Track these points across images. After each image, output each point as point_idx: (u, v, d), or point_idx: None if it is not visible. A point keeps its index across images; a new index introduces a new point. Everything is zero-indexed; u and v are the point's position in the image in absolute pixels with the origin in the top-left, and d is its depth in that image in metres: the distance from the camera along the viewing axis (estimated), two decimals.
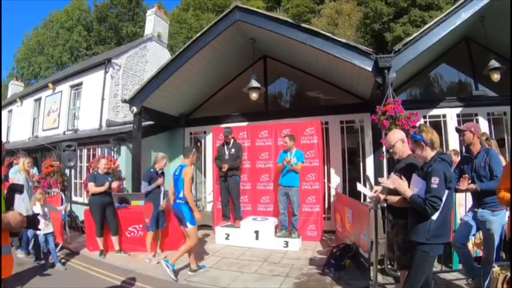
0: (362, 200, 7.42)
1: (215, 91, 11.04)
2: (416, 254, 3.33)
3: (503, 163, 4.61)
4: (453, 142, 8.25)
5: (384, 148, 6.61)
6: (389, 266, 5.39)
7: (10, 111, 20.65)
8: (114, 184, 7.31)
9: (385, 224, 4.77)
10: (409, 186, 3.47)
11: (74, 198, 10.93)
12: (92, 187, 6.94)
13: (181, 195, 5.88)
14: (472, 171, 4.50)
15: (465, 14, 6.74)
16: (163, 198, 6.94)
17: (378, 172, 7.35)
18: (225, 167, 8.03)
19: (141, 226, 7.42)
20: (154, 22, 18.22)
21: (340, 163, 9.30)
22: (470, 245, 4.98)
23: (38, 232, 6.33)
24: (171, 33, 26.31)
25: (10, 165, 7.88)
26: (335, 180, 9.28)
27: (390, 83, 6.57)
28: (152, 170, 6.99)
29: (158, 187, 6.98)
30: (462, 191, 4.52)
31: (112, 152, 10.44)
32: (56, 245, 7.20)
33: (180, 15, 41.23)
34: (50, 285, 5.67)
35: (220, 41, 8.51)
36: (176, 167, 6.22)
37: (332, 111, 9.48)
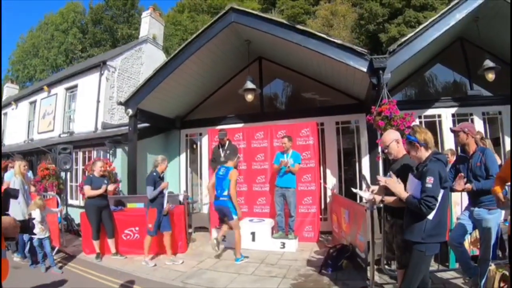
0: (358, 201, 7.43)
1: (210, 93, 11.04)
2: (412, 253, 3.34)
3: (498, 162, 4.64)
4: (449, 142, 8.28)
5: (379, 149, 6.63)
6: (386, 266, 5.39)
7: (5, 114, 20.54)
8: (111, 187, 7.29)
9: (382, 224, 4.78)
10: (405, 186, 3.49)
11: (70, 201, 10.89)
12: (88, 190, 6.91)
13: (225, 193, 6.75)
14: (468, 171, 4.52)
15: (459, 15, 6.79)
16: (167, 202, 6.87)
17: (374, 173, 7.35)
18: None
19: (137, 228, 7.40)
20: (149, 24, 18.21)
21: (336, 163, 9.31)
22: (466, 244, 5.00)
23: (33, 236, 6.31)
24: (166, 35, 26.31)
25: (5, 168, 7.82)
26: (331, 180, 9.29)
27: (385, 83, 6.60)
28: (155, 173, 6.87)
29: (161, 191, 6.87)
30: (458, 191, 4.54)
31: (108, 154, 10.41)
32: (53, 248, 7.15)
33: (175, 17, 41.23)
34: None
35: (215, 43, 8.51)
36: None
37: (327, 112, 9.49)
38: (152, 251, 7.24)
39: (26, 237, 6.72)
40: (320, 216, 8.61)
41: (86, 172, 9.47)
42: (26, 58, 38.81)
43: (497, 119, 8.62)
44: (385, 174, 5.83)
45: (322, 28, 28.19)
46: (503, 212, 4.31)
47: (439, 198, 3.24)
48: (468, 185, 4.36)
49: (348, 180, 9.48)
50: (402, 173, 3.66)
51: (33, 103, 18.12)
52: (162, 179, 7.02)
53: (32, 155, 13.26)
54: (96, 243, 7.03)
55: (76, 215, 8.85)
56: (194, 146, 11.35)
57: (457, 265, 5.21)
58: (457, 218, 4.89)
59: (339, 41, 7.20)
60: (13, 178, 6.65)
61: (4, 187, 5.96)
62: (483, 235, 4.41)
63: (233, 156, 7.14)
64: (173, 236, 7.40)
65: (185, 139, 11.27)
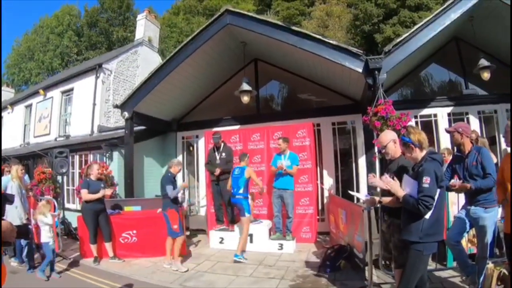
0: (355, 201, 7.44)
1: (206, 95, 11.04)
2: (410, 253, 3.35)
3: (494, 160, 4.66)
4: (445, 141, 8.31)
5: (376, 149, 6.64)
6: (383, 264, 5.41)
7: (0, 118, 20.46)
8: (108, 191, 7.27)
9: (379, 224, 4.79)
10: (401, 186, 3.50)
11: (66, 205, 10.86)
12: (86, 194, 6.87)
13: (240, 191, 7.19)
14: (464, 170, 4.54)
15: (454, 15, 6.82)
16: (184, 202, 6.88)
17: (370, 173, 7.36)
18: (218, 170, 8.01)
19: (134, 232, 7.39)
20: (145, 27, 18.18)
21: (332, 164, 9.33)
22: (464, 243, 5.02)
23: (47, 241, 6.31)
24: (161, 38, 26.25)
25: (1, 173, 7.78)
26: (328, 181, 9.30)
27: (381, 84, 6.63)
28: (169, 174, 6.86)
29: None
30: (456, 190, 4.56)
31: (105, 158, 10.38)
32: None
33: (171, 19, 41.25)
34: None
35: (211, 45, 8.51)
36: (235, 169, 7.42)
37: (323, 112, 9.51)
38: (150, 253, 7.25)
39: (23, 241, 6.69)
40: (318, 217, 8.62)
41: (83, 175, 9.44)
42: (22, 61, 38.71)
43: (492, 117, 8.66)
44: (381, 174, 5.85)
45: (318, 29, 28.23)
46: (499, 210, 4.32)
47: (436, 197, 3.25)
48: (466, 184, 4.37)
49: (345, 180, 9.50)
50: (399, 172, 3.68)
51: (29, 106, 18.04)
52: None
53: (29, 159, 13.21)
54: (93, 247, 7.01)
55: (73, 219, 8.83)
56: (191, 148, 11.35)
57: (454, 264, 5.23)
58: (454, 217, 4.91)
59: (334, 42, 7.22)
60: (10, 182, 6.62)
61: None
62: (480, 233, 4.44)
63: (244, 157, 7.54)
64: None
65: (182, 141, 11.26)
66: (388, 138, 3.97)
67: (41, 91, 16.79)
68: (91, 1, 51.70)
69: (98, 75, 14.54)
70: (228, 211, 8.29)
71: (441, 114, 8.76)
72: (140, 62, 17.28)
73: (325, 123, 9.44)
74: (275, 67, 10.37)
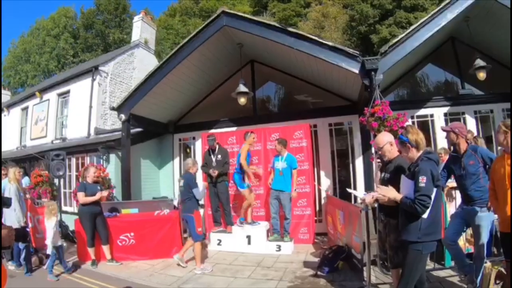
0: (352, 202, 7.45)
1: (203, 97, 11.04)
2: (409, 253, 3.36)
3: None
4: (442, 141, 8.30)
5: (373, 150, 6.65)
6: (381, 264, 5.42)
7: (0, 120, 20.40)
8: (105, 193, 7.24)
9: (376, 225, 4.80)
10: (399, 188, 3.51)
11: (64, 208, 10.78)
12: (82, 197, 6.84)
13: (235, 166, 7.97)
14: (461, 170, 4.55)
15: (450, 15, 6.84)
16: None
17: (368, 173, 7.39)
18: (215, 172, 7.98)
19: (132, 234, 7.36)
20: (141, 29, 18.16)
21: (329, 165, 9.35)
22: (461, 242, 5.03)
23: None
24: (158, 39, 26.25)
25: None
26: (325, 182, 9.31)
27: (378, 84, 6.64)
28: (191, 176, 6.80)
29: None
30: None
31: (101, 160, 10.35)
32: (47, 256, 7.13)
33: (167, 21, 41.26)
34: None
35: (207, 47, 8.51)
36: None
37: (320, 114, 9.53)
38: (148, 256, 7.24)
39: (21, 245, 6.67)
40: (315, 218, 8.62)
41: (80, 178, 9.41)
42: (18, 63, 38.66)
43: (489, 117, 8.69)
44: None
45: (314, 30, 28.30)
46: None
47: (433, 197, 3.27)
48: None
49: (342, 181, 9.51)
50: (397, 174, 3.69)
51: (25, 109, 17.98)
52: None
53: (25, 161, 13.17)
54: (91, 250, 6.97)
55: (70, 221, 8.79)
56: (188, 150, 11.34)
57: (452, 263, 5.25)
58: (451, 217, 4.92)
59: (331, 43, 7.22)
60: (8, 185, 6.59)
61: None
62: (476, 232, 4.45)
63: (246, 135, 8.09)
64: (169, 241, 7.41)
65: (179, 143, 11.25)
66: (385, 140, 3.97)
67: (38, 94, 16.74)
68: (87, 3, 51.63)
69: (94, 77, 14.51)
70: (226, 213, 8.29)
71: (437, 114, 8.79)
72: (137, 64, 17.25)
73: (322, 124, 9.45)
74: (271, 68, 10.38)
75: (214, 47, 8.72)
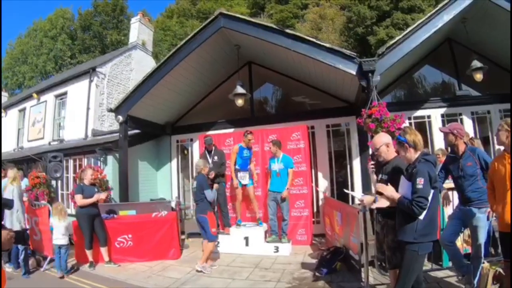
0: (350, 203, 7.46)
1: (200, 99, 11.03)
2: (405, 253, 3.38)
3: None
4: (439, 142, 8.36)
5: (370, 151, 6.67)
6: (379, 265, 5.43)
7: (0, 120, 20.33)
8: (103, 195, 7.24)
9: (374, 225, 4.82)
10: (397, 188, 3.53)
11: None
12: (80, 199, 6.82)
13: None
14: (459, 171, 4.57)
15: (447, 16, 6.87)
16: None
17: (365, 175, 7.40)
18: (212, 173, 7.97)
19: (130, 236, 7.35)
20: (139, 30, 18.12)
21: (327, 166, 9.35)
22: (459, 243, 5.04)
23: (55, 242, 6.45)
24: (155, 41, 26.23)
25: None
26: (323, 183, 9.32)
27: (375, 86, 6.66)
28: (204, 177, 6.79)
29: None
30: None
31: (99, 162, 10.34)
32: (45, 257, 7.12)
33: (165, 22, 41.28)
34: None
35: (205, 48, 8.51)
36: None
37: (318, 115, 9.54)
38: (146, 257, 7.24)
39: (20, 246, 6.66)
40: (313, 219, 8.63)
41: (77, 180, 9.39)
42: (15, 65, 38.53)
43: (486, 118, 8.73)
44: (376, 175, 5.87)
45: (311, 32, 28.39)
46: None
47: (430, 198, 3.28)
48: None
49: (340, 182, 9.53)
50: (394, 175, 3.71)
51: (23, 110, 17.91)
52: None
53: (22, 163, 13.12)
54: (89, 252, 6.94)
55: None
56: (185, 151, 11.32)
57: (450, 264, 5.25)
58: (448, 217, 4.94)
59: (328, 45, 7.24)
60: (10, 186, 6.57)
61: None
62: (474, 233, 4.46)
63: (244, 136, 8.10)
64: (167, 242, 7.41)
65: (176, 145, 11.22)
66: (382, 141, 3.99)
67: (35, 95, 16.68)
68: (85, 4, 51.56)
69: (92, 78, 14.47)
70: (223, 214, 8.29)
71: (434, 115, 8.82)
72: (134, 65, 17.22)
73: (320, 125, 9.46)
74: (269, 70, 10.39)
75: (211, 48, 8.73)
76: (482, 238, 4.36)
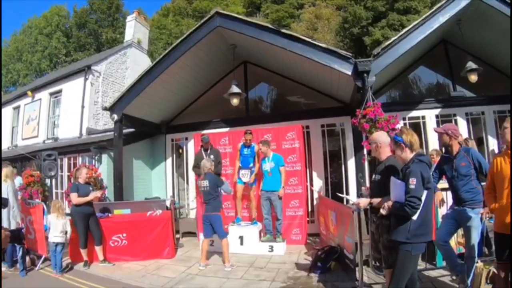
0: (344, 202, 7.48)
1: (196, 98, 11.00)
2: (399, 253, 3.41)
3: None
4: (433, 142, 8.40)
5: (365, 151, 6.70)
6: (374, 265, 5.45)
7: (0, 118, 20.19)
8: (98, 193, 7.21)
9: (369, 225, 4.84)
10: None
11: None
12: (76, 198, 6.78)
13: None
14: (453, 171, 4.59)
15: (442, 18, 6.91)
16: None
17: (359, 174, 7.43)
18: None
19: (125, 235, 7.32)
20: (134, 28, 18.08)
21: (322, 166, 9.37)
22: (453, 242, 5.07)
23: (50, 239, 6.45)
24: (151, 39, 26.16)
25: None
26: (318, 183, 9.34)
27: (370, 86, 6.67)
28: (214, 175, 6.89)
29: None
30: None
31: (94, 160, 10.30)
32: (39, 256, 7.08)
33: (160, 20, 41.14)
34: None
35: (201, 47, 8.50)
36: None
37: (313, 115, 9.56)
38: (141, 256, 7.22)
39: (17, 245, 6.63)
40: (308, 219, 8.64)
41: (72, 178, 9.34)
42: (10, 62, 38.23)
43: (480, 119, 8.79)
44: (370, 175, 5.91)
45: (307, 32, 28.45)
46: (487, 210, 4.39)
47: (423, 199, 3.31)
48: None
49: (335, 182, 9.55)
50: (386, 174, 3.75)
51: (17, 108, 17.82)
52: None
53: (17, 161, 13.05)
54: (83, 251, 6.91)
55: None
56: (180, 150, 11.30)
57: (444, 263, 5.28)
58: (442, 217, 4.97)
59: (324, 45, 7.25)
60: (3, 184, 6.53)
61: None
62: (467, 233, 4.49)
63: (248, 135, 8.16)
64: (162, 241, 7.40)
65: (171, 144, 11.19)
66: (376, 139, 4.07)
67: (29, 93, 16.60)
68: (80, 1, 51.30)
69: (87, 76, 14.43)
70: None
71: (429, 116, 8.87)
72: (129, 64, 17.19)
73: (314, 125, 9.48)
74: (264, 69, 10.39)
75: (207, 47, 8.71)
76: (475, 238, 4.39)
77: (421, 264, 5.26)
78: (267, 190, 7.69)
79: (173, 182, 11.00)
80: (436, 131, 5.04)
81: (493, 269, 4.22)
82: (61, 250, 6.47)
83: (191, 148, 10.43)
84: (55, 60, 36.03)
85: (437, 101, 8.98)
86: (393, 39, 6.93)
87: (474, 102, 8.80)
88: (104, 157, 10.23)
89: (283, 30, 7.55)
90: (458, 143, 4.68)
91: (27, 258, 6.97)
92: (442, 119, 8.69)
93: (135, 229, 7.34)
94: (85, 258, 6.92)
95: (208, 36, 8.19)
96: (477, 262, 4.38)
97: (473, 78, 7.60)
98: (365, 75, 6.68)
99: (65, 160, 11.33)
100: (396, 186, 3.48)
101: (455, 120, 8.65)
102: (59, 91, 15.45)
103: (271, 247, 7.48)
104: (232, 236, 7.66)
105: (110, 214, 7.84)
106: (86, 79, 14.41)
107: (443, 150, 5.28)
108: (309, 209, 9.05)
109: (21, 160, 12.80)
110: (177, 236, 8.55)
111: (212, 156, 8.19)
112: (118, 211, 8.06)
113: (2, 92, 26.25)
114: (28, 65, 36.71)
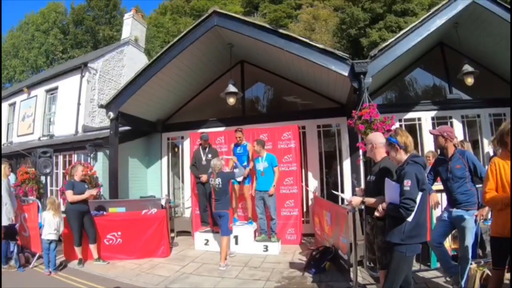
0: (339, 203, 7.50)
1: (192, 96, 10.99)
2: (393, 254, 3.42)
3: None
4: (429, 144, 8.44)
5: (360, 152, 6.71)
6: (368, 265, 5.47)
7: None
8: (94, 191, 7.18)
9: (363, 226, 4.85)
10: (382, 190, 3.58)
11: None
12: (71, 195, 6.73)
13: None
14: (448, 173, 4.61)
15: (439, 21, 6.94)
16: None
17: (354, 175, 7.45)
18: (204, 177, 7.93)
19: (119, 233, 7.30)
20: (131, 26, 17.99)
21: (317, 166, 9.39)
22: (447, 244, 5.09)
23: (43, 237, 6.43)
24: (148, 37, 26.09)
25: None
26: (313, 183, 9.35)
27: (366, 87, 6.68)
28: (225, 173, 7.01)
29: None
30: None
31: (89, 158, 10.26)
32: (33, 254, 7.05)
33: (158, 19, 41.10)
34: None
35: (198, 46, 8.49)
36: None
37: (309, 115, 9.58)
38: (135, 255, 7.21)
39: (12, 242, 6.60)
40: (303, 219, 8.65)
41: (67, 176, 9.30)
42: (6, 58, 37.94)
43: (475, 122, 8.83)
44: (366, 176, 5.92)
45: (304, 32, 28.48)
46: (481, 212, 4.41)
47: (418, 200, 3.32)
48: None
49: (330, 182, 9.57)
50: (382, 176, 3.74)
51: (13, 105, 17.70)
52: None
53: (12, 158, 12.97)
54: (78, 249, 6.88)
55: None
56: (176, 149, 11.29)
57: (438, 265, 5.29)
58: (437, 219, 4.99)
59: (321, 46, 7.26)
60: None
61: None
62: (461, 235, 4.51)
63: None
64: (156, 240, 7.39)
65: (167, 142, 11.18)
66: (372, 139, 4.10)
67: (25, 89, 16.50)
68: None
69: (83, 74, 14.36)
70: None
71: (425, 118, 8.90)
72: (126, 61, 17.12)
73: (311, 126, 9.49)
74: (261, 69, 10.38)
75: (204, 46, 8.70)
76: (469, 240, 4.41)
77: (416, 265, 5.26)
78: (260, 190, 7.69)
79: (169, 180, 10.98)
80: (431, 133, 5.05)
81: (487, 271, 4.24)
82: (55, 248, 6.43)
83: (187, 147, 10.42)
84: (52, 57, 35.84)
85: (433, 103, 9.01)
86: (390, 41, 6.95)
87: (470, 105, 8.83)
88: (100, 155, 10.21)
89: (281, 30, 7.55)
90: (453, 145, 4.69)
91: (22, 256, 6.94)
92: (438, 121, 8.72)
93: (130, 228, 7.32)
94: (79, 256, 6.90)
95: (205, 35, 8.17)
96: (471, 264, 4.41)
97: (470, 81, 7.63)
98: (361, 76, 6.70)
99: (61, 158, 11.29)
100: (390, 188, 3.48)
101: (451, 123, 8.68)
102: (55, 88, 15.36)
103: (266, 247, 7.48)
104: None
105: (105, 212, 7.82)
106: (82, 76, 14.34)
107: (439, 152, 5.29)
108: (304, 209, 9.06)
109: (16, 157, 12.73)
110: (172, 235, 8.55)
111: (210, 155, 8.19)
112: (113, 209, 8.03)
113: None
114: (24, 62, 36.50)
